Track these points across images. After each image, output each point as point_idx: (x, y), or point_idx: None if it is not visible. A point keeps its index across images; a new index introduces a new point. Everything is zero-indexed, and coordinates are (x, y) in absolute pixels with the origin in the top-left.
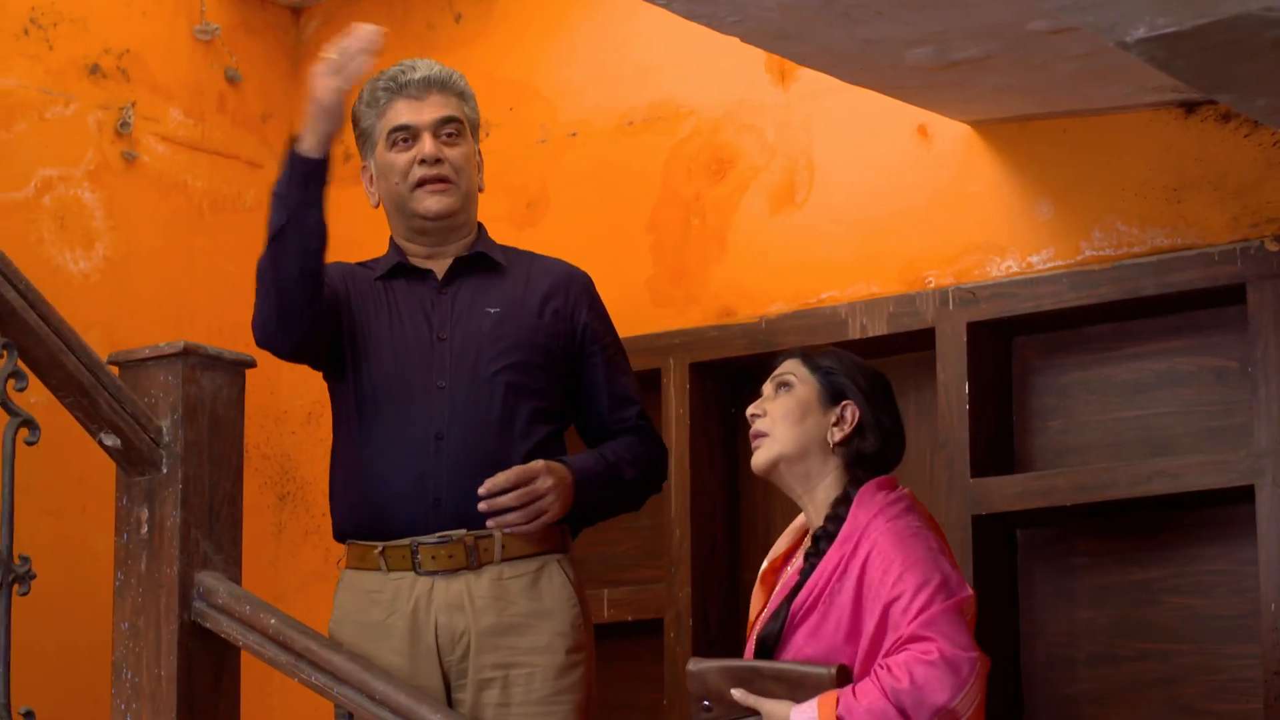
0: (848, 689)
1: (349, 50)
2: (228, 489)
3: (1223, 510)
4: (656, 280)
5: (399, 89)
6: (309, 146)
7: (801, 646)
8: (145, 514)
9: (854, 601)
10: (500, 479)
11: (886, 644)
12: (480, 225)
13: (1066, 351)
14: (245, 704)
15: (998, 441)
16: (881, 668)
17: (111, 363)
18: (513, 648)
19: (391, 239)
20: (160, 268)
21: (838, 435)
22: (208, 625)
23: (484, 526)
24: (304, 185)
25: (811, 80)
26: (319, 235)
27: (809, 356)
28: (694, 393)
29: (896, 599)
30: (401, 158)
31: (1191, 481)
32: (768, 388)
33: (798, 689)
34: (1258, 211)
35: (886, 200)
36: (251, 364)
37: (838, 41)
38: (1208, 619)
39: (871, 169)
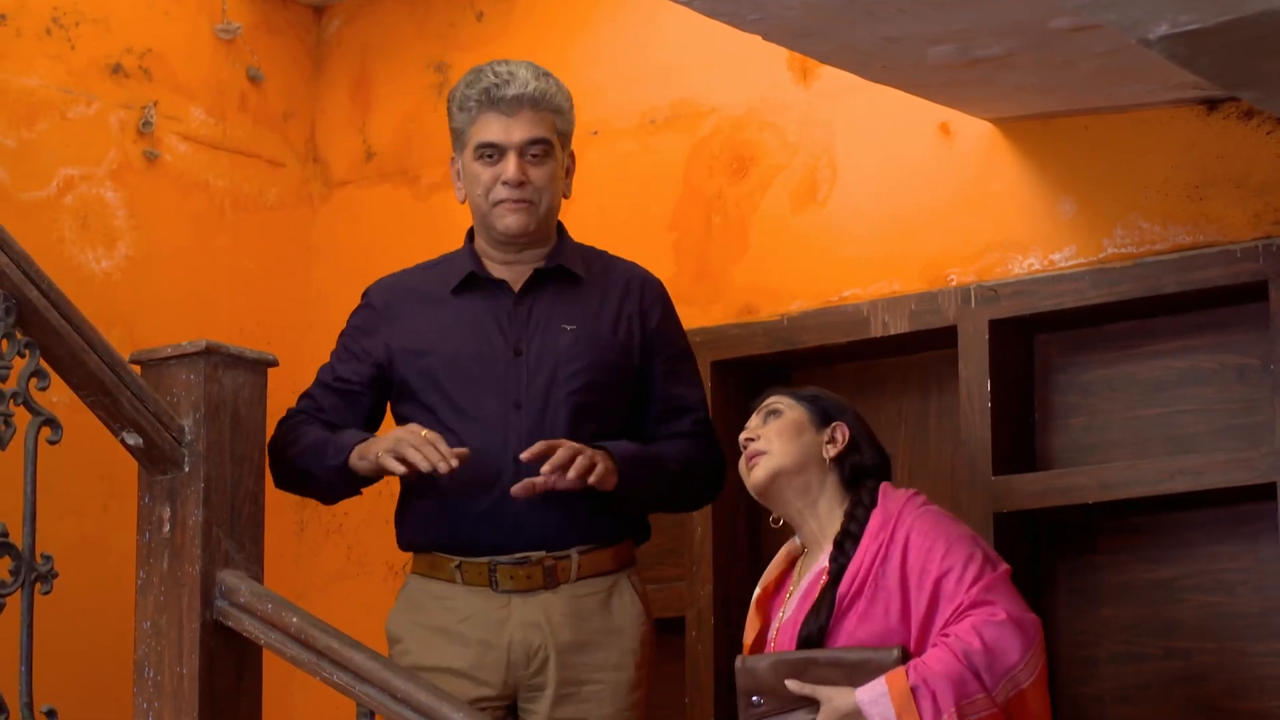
0: (916, 660)
1: (437, 452)
2: (250, 487)
3: (1245, 508)
4: (678, 278)
5: (491, 102)
6: (362, 470)
7: (853, 631)
8: (167, 513)
9: (900, 583)
10: (539, 448)
11: (943, 615)
12: (561, 227)
13: (1088, 349)
14: (267, 702)
15: (1019, 439)
16: (947, 635)
17: (133, 362)
18: (587, 664)
19: (470, 238)
20: (182, 267)
21: (832, 451)
22: (230, 624)
23: (562, 547)
24: (354, 485)
25: (833, 78)
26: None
27: (791, 390)
28: (716, 391)
29: (948, 572)
30: (486, 172)
31: (1213, 479)
32: (754, 419)
33: (857, 672)
34: None
35: (908, 198)
36: (274, 363)
37: (859, 39)
38: (1230, 617)
39: (893, 167)
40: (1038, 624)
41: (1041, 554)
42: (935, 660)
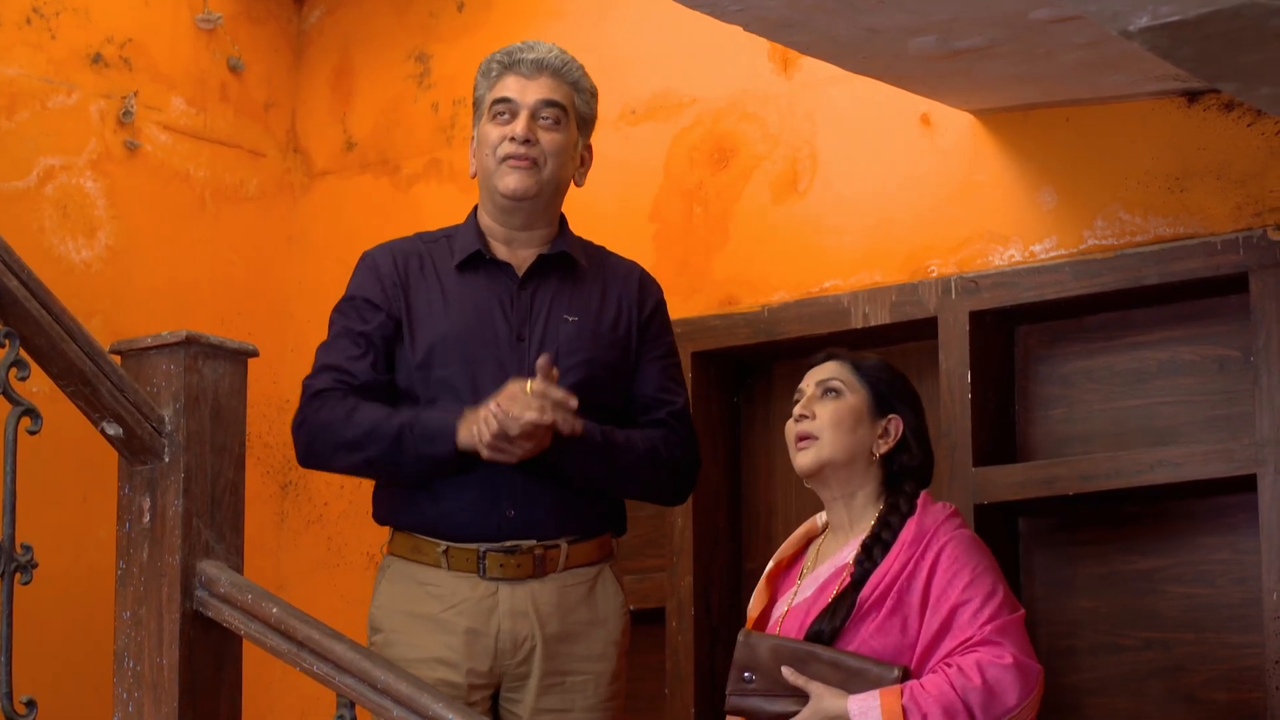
0: (913, 682)
1: (511, 433)
2: (230, 478)
3: (1225, 499)
4: (659, 269)
5: (512, 64)
6: (465, 443)
7: (867, 640)
8: (147, 503)
9: (921, 601)
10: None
11: (950, 644)
12: (563, 218)
13: (1069, 340)
14: (247, 693)
15: (1000, 430)
16: (949, 665)
17: (113, 351)
18: (571, 654)
19: (475, 217)
20: (162, 257)
21: (883, 448)
22: (210, 614)
23: (552, 537)
24: (440, 467)
25: (814, 69)
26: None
27: (855, 362)
28: (696, 382)
29: (966, 603)
30: (496, 131)
31: (1193, 471)
32: (812, 388)
33: (854, 679)
34: (1260, 200)
35: (889, 189)
36: (254, 353)
37: (841, 30)
38: (1210, 608)
39: (874, 158)
40: (1040, 673)
41: (1021, 545)
42: (932, 686)
